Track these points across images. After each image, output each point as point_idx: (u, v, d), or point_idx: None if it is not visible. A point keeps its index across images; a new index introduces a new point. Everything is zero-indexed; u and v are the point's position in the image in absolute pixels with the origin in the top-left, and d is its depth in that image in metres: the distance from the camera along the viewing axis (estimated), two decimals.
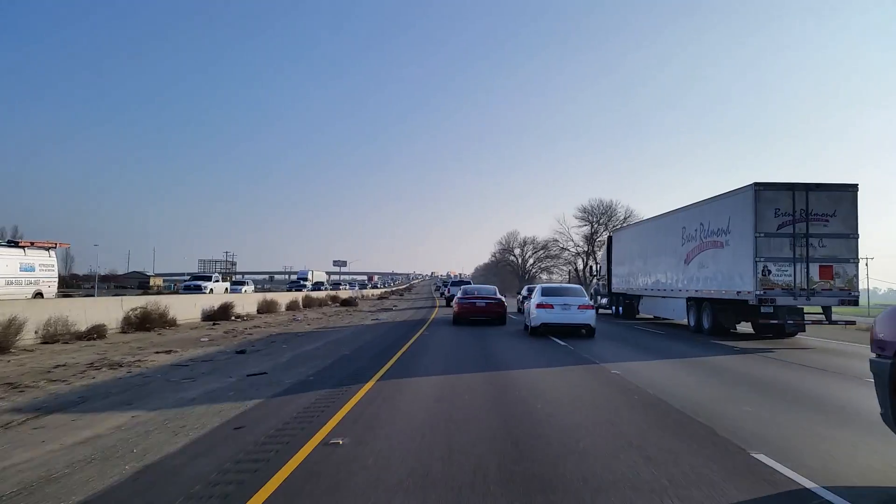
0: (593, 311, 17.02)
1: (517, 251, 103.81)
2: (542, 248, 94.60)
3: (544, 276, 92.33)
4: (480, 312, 20.87)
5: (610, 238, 31.24)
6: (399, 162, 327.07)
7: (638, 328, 21.27)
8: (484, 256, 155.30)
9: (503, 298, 21.99)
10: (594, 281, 34.23)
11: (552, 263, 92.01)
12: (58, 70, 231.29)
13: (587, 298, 17.61)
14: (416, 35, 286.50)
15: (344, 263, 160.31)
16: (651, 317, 25.96)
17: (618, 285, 28.38)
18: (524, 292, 28.92)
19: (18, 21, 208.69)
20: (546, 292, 17.54)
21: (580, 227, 79.16)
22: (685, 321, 20.38)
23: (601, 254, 35.12)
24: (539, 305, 16.86)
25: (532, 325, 17.15)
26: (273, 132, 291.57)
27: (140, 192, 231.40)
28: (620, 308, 28.10)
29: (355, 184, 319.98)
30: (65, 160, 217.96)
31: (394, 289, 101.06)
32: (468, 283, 43.53)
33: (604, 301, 31.09)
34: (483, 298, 21.36)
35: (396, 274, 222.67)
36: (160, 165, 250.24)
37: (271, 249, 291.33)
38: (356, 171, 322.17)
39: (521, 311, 26.94)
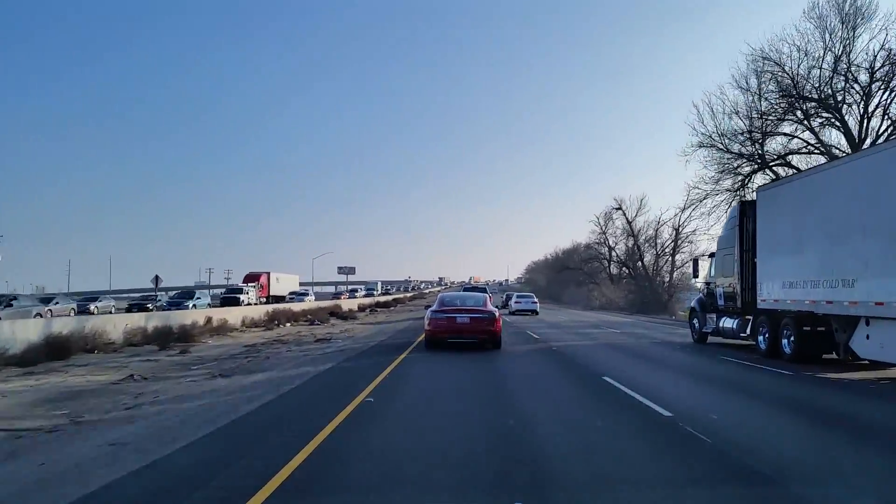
0: (537, 302, 41.62)
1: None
2: None
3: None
4: (461, 332, 15.44)
5: (749, 204, 16.49)
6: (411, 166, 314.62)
7: None
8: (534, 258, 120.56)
9: (495, 310, 16.30)
10: (702, 286, 19.74)
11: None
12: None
13: (534, 297, 43.25)
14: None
15: (352, 270, 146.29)
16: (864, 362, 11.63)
17: (774, 296, 14.32)
18: (503, 297, 52.11)
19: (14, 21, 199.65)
20: (519, 296, 43.82)
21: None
22: None
23: (712, 235, 20.43)
24: (516, 301, 41.09)
25: (511, 309, 39.19)
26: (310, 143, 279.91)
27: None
28: (786, 342, 13.81)
29: (370, 185, 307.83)
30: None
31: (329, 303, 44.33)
32: (483, 290, 36.48)
33: (728, 324, 16.78)
34: (465, 312, 15.74)
35: (409, 281, 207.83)
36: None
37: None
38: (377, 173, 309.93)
39: (505, 306, 42.46)
